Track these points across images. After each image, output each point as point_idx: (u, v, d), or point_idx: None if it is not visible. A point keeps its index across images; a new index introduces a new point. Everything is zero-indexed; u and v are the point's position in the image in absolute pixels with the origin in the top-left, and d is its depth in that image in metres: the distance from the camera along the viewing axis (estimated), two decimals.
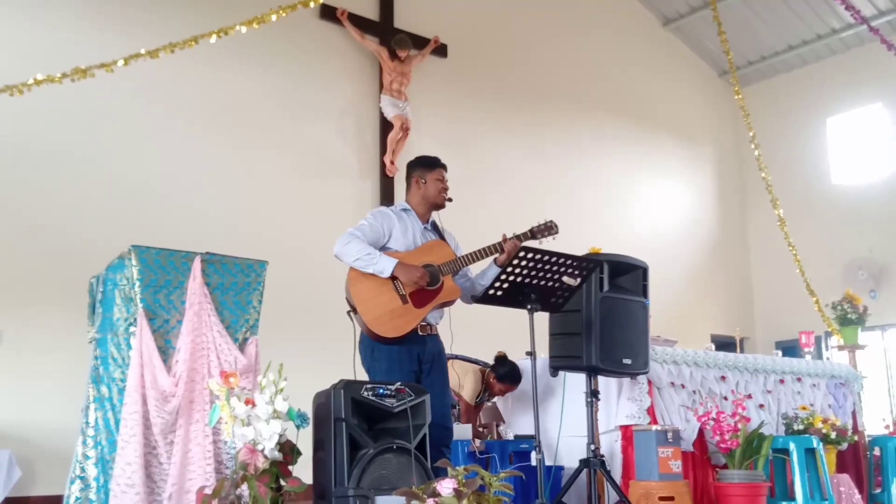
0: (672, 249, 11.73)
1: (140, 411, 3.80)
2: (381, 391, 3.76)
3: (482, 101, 10.23)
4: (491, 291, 4.17)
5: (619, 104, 11.68)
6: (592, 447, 4.60)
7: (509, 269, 4.09)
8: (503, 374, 5.74)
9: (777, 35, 12.35)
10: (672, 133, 12.38)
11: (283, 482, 3.51)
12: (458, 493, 2.95)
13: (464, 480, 2.98)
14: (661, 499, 4.59)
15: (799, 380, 6.22)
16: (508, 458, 5.15)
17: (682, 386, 5.41)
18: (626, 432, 5.04)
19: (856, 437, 6.19)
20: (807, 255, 9.72)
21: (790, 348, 8.78)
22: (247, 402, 3.54)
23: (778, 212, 9.44)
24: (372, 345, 4.25)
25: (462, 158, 8.98)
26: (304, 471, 3.66)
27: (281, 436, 3.53)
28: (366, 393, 3.73)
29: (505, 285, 4.13)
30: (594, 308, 4.59)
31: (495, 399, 5.89)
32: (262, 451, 3.47)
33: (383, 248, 4.31)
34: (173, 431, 3.86)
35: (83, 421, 4.08)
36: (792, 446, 5.20)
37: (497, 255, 4.38)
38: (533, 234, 4.50)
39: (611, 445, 5.11)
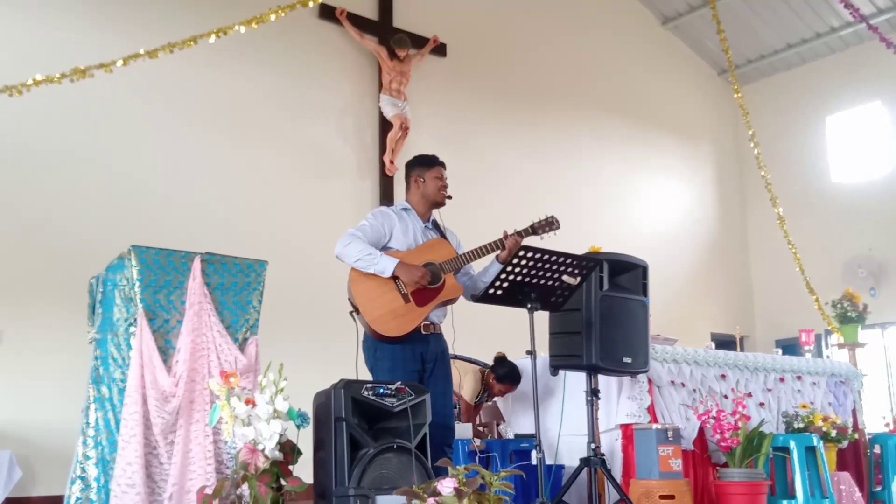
0: (672, 248, 11.72)
1: (140, 411, 3.79)
2: (382, 390, 3.77)
3: (482, 100, 10.22)
4: (491, 291, 4.17)
5: (619, 103, 11.68)
6: (593, 446, 4.60)
7: (509, 269, 4.08)
8: (503, 374, 5.74)
9: (776, 33, 12.35)
10: (672, 132, 12.38)
11: (283, 482, 3.51)
12: (458, 493, 2.95)
13: (464, 479, 2.98)
14: (662, 497, 4.59)
15: (799, 378, 6.22)
16: (509, 457, 5.15)
17: (683, 384, 5.41)
18: (627, 431, 5.04)
19: (856, 435, 6.19)
20: (806, 253, 9.72)
21: (790, 346, 8.78)
22: (247, 402, 3.55)
23: (778, 210, 9.45)
24: (375, 345, 4.25)
25: (461, 158, 8.98)
26: (304, 470, 3.66)
27: (281, 435, 3.53)
28: (366, 392, 3.74)
29: (505, 284, 4.13)
30: (594, 307, 4.59)
31: (495, 398, 5.90)
32: (263, 450, 3.47)
33: (384, 248, 4.32)
34: (174, 431, 3.86)
35: (83, 421, 4.08)
36: (792, 444, 5.20)
37: (498, 251, 4.38)
38: (534, 229, 4.50)
39: (611, 444, 5.11)
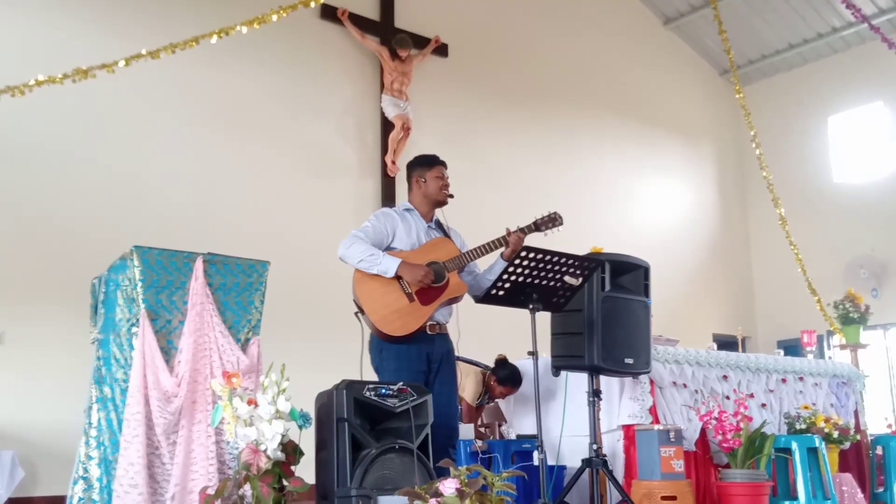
0: (673, 248, 11.72)
1: (143, 412, 3.80)
2: (384, 391, 3.77)
3: (483, 100, 10.22)
4: (493, 291, 4.17)
5: (620, 103, 11.67)
6: (595, 447, 4.59)
7: (511, 269, 4.08)
8: (504, 377, 5.73)
9: (778, 33, 12.35)
10: (673, 132, 12.37)
11: (285, 482, 3.50)
12: (460, 493, 2.95)
13: (466, 480, 2.98)
14: (664, 498, 4.59)
15: (801, 379, 6.21)
16: (511, 457, 5.14)
17: (685, 385, 5.41)
18: (629, 432, 5.04)
19: (858, 437, 6.18)
20: (808, 253, 9.72)
21: (792, 347, 8.79)
22: (249, 403, 3.54)
23: (779, 210, 9.44)
24: (381, 345, 4.26)
25: (463, 158, 8.97)
26: (306, 471, 3.66)
27: (283, 436, 3.53)
28: (368, 393, 3.74)
29: (507, 285, 4.13)
30: (596, 308, 4.58)
31: (497, 400, 5.89)
32: (265, 451, 3.47)
33: (388, 249, 4.32)
34: (176, 432, 3.86)
35: (86, 421, 4.08)
36: (794, 446, 5.20)
37: (502, 249, 4.38)
38: (537, 226, 4.50)
39: (613, 445, 5.11)
